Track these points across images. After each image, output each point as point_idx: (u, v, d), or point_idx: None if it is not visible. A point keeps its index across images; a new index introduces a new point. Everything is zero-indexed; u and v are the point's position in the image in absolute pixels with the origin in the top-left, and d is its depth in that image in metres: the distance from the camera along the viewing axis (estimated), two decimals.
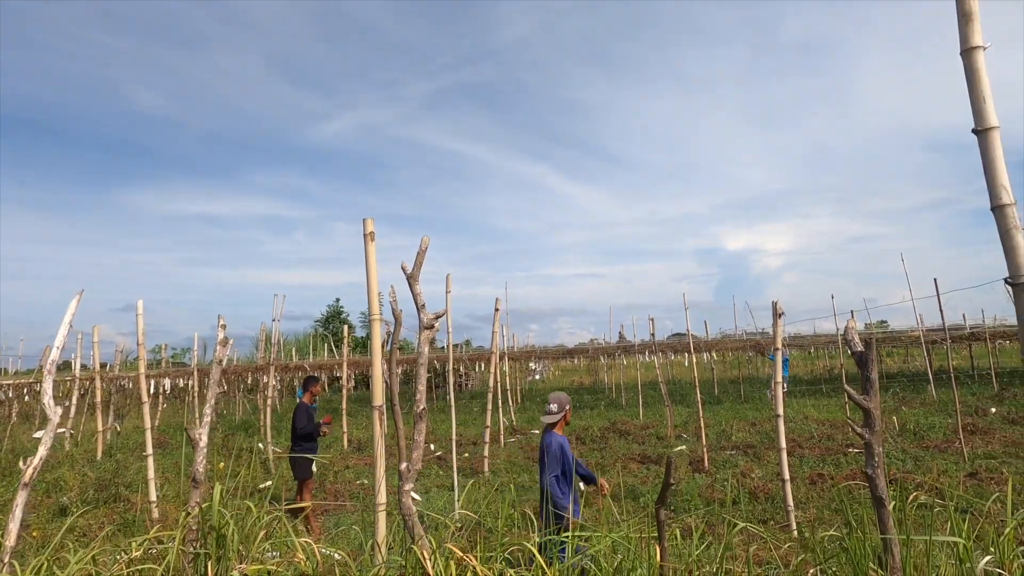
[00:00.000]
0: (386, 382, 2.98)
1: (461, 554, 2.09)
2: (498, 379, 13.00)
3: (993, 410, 13.05)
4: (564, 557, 2.50)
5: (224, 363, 3.95)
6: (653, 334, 12.95)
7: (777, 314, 5.91)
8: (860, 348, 2.05)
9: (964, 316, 21.09)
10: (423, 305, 2.89)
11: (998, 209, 2.80)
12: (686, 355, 33.56)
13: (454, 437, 7.14)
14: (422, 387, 2.72)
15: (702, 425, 9.12)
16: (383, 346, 3.51)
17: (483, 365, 24.76)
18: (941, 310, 10.73)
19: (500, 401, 16.14)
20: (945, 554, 1.94)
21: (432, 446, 12.07)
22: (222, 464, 5.66)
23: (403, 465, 2.63)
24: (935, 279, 10.74)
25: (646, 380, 19.84)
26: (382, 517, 3.23)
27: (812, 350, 26.54)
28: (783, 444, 5.82)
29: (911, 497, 3.17)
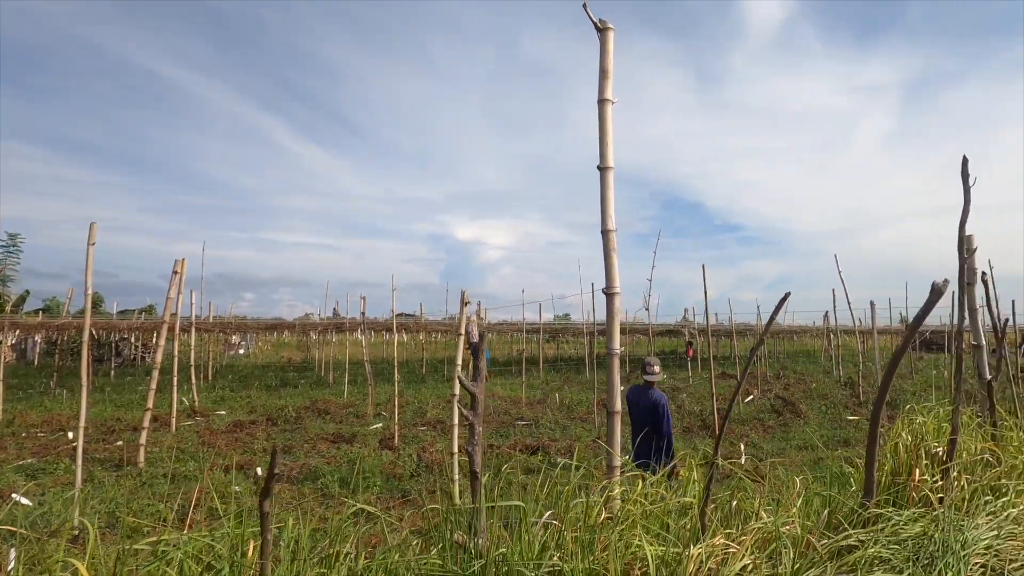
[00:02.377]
0: None
1: None
2: (177, 352, 11.15)
3: (621, 388, 16.93)
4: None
5: None
6: (364, 312, 12.88)
7: (463, 303, 6.43)
8: (476, 339, 2.30)
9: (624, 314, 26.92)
10: None
11: (605, 233, 3.51)
12: (405, 334, 34.59)
13: (82, 422, 5.78)
14: None
15: (396, 404, 9.44)
16: None
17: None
18: (595, 308, 13.32)
19: (188, 378, 13.93)
20: (519, 514, 2.32)
21: (71, 434, 9.65)
22: None
23: None
24: (592, 283, 13.37)
25: (360, 359, 19.74)
26: None
27: (510, 335, 30.21)
28: (456, 420, 6.40)
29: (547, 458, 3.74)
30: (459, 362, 6.66)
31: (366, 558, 2.34)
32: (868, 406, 13.41)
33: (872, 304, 16.50)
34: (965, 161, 3.09)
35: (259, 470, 7.31)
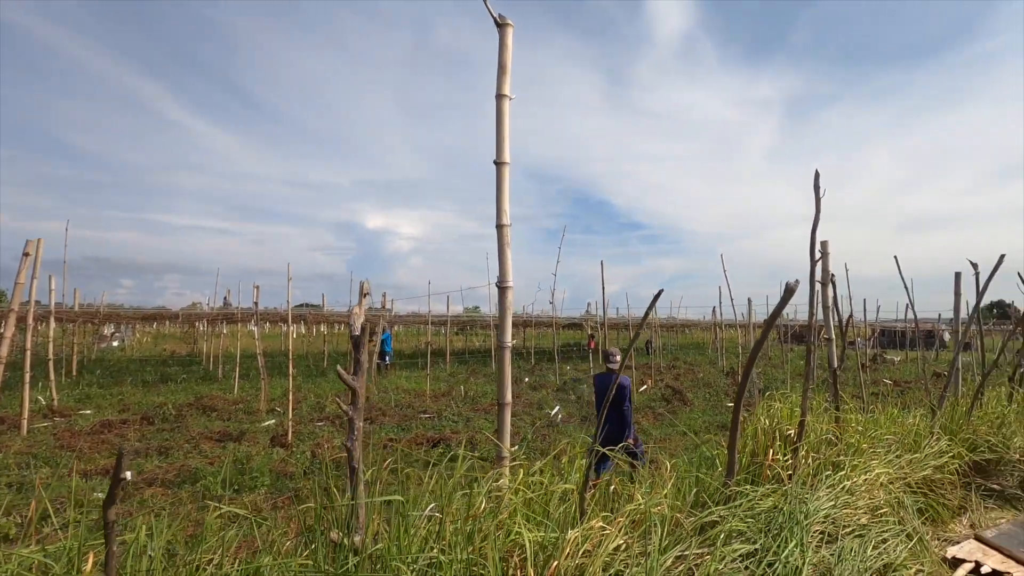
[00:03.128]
0: None
1: None
2: (30, 345, 9.85)
3: (527, 379, 17.29)
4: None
5: None
6: (256, 302, 12.10)
7: (363, 294, 6.23)
8: (357, 332, 2.23)
9: (522, 307, 27.38)
10: None
11: (500, 228, 3.55)
12: (304, 326, 32.93)
13: None
14: None
15: (291, 399, 8.99)
16: None
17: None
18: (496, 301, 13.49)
19: (46, 374, 12.36)
20: (401, 509, 2.30)
21: None
22: None
23: None
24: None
25: (253, 351, 18.53)
26: None
27: (417, 328, 29.81)
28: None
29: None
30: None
31: (237, 563, 2.21)
32: (777, 399, 14.79)
33: (750, 301, 18.11)
34: (816, 175, 3.48)
35: (128, 474, 6.65)
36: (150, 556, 2.08)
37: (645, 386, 15.50)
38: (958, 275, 7.30)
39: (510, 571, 2.22)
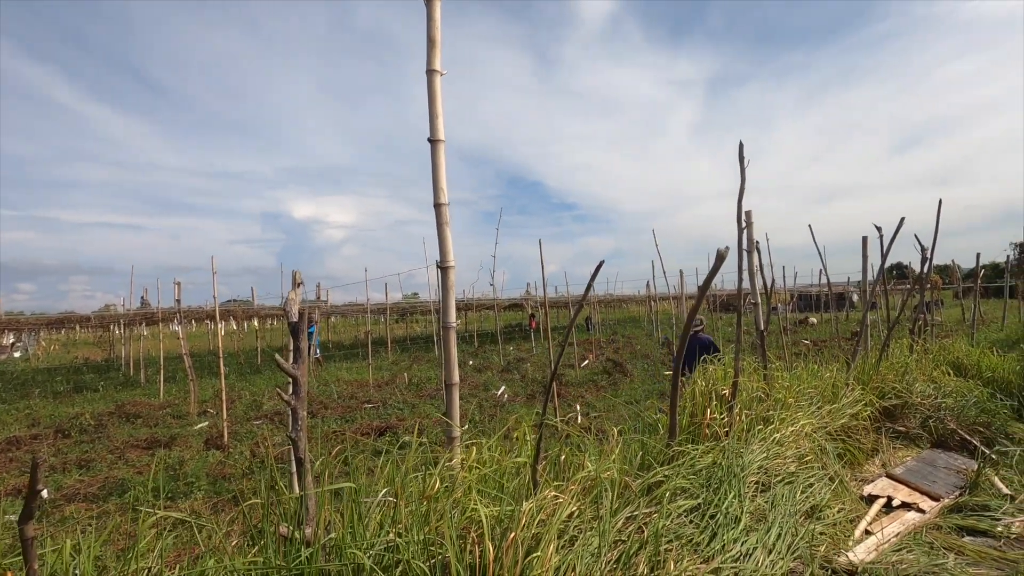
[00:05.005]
0: None
1: None
2: None
3: (471, 363, 17.31)
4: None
5: None
6: (179, 299, 11.36)
7: (296, 284, 5.98)
8: (295, 319, 2.14)
9: (464, 292, 27.27)
10: None
11: (437, 207, 3.49)
12: (235, 322, 31.37)
13: None
14: None
15: (224, 399, 8.56)
16: None
17: None
18: (440, 285, 13.36)
19: None
20: (352, 496, 2.25)
21: None
22: None
23: None
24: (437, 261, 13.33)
25: (178, 352, 17.45)
26: None
27: (356, 317, 29.09)
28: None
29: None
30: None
31: (178, 570, 2.09)
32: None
33: (681, 273, 18.89)
34: (741, 146, 3.64)
35: (44, 490, 6.13)
36: (76, 573, 1.93)
37: (587, 361, 15.91)
38: (864, 239, 7.91)
39: (468, 547, 2.23)
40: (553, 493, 2.71)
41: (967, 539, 4.11)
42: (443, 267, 3.33)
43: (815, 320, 28.24)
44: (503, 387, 11.97)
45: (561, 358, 2.96)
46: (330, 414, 10.33)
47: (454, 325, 3.32)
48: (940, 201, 7.37)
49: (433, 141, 3.41)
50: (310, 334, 18.67)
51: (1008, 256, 14.21)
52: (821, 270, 9.99)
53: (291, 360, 2.13)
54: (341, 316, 31.86)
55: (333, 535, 2.07)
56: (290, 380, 2.13)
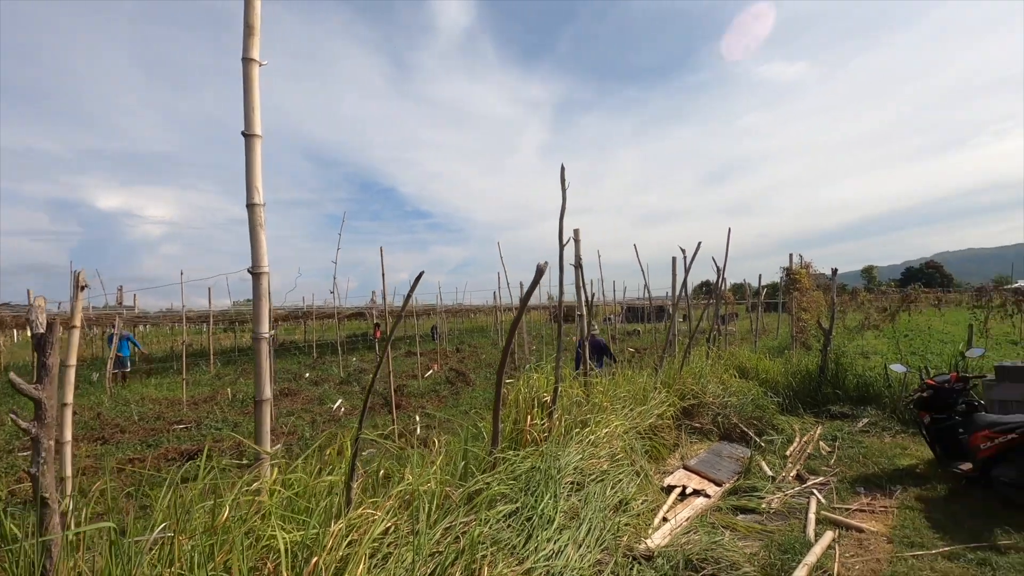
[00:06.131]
0: None
1: None
2: None
3: (307, 375, 16.20)
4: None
5: None
6: None
7: (79, 287, 5.06)
8: (41, 329, 1.78)
9: (303, 298, 25.51)
10: None
11: (250, 207, 3.19)
12: (4, 330, 25.77)
13: None
14: None
15: None
16: None
17: None
18: (286, 293, 12.30)
19: None
20: (112, 537, 1.92)
21: None
22: None
23: None
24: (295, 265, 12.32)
25: None
26: None
27: (171, 327, 25.67)
28: (68, 436, 5.03)
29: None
30: (72, 361, 5.26)
31: None
32: (522, 370, 16.18)
33: (521, 285, 19.74)
34: (563, 169, 3.92)
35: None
36: None
37: (431, 371, 15.83)
38: (674, 259, 9.03)
39: None
40: (368, 510, 2.61)
41: (740, 517, 4.84)
42: (255, 272, 3.06)
43: (640, 330, 31.45)
44: (340, 400, 11.40)
45: (379, 370, 2.87)
46: (128, 439, 8.89)
47: (267, 336, 3.06)
48: (729, 229, 8.71)
49: (248, 136, 3.13)
50: (125, 344, 15.95)
51: (780, 278, 17.41)
52: (644, 285, 11.23)
53: (36, 378, 1.76)
54: (153, 325, 27.89)
55: None
56: (33, 402, 1.76)
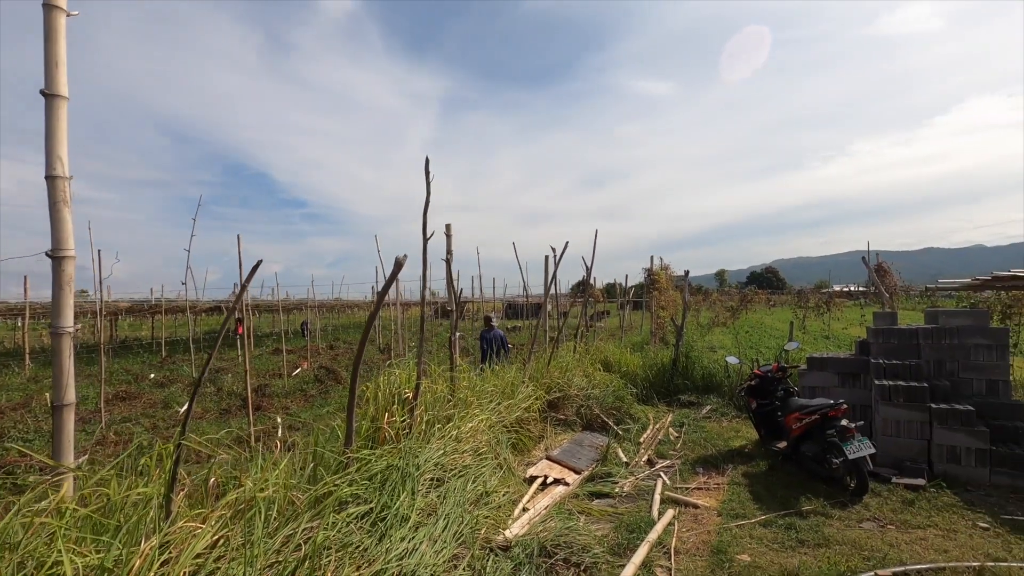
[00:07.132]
0: None
1: None
2: None
3: (152, 376, 14.44)
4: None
5: None
6: None
7: None
8: None
9: (151, 290, 22.71)
10: None
11: (51, 180, 2.72)
12: None
13: None
14: None
15: None
16: None
17: None
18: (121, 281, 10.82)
19: None
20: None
21: None
22: None
23: None
24: (117, 252, 10.77)
25: None
26: None
27: None
28: None
29: None
30: None
31: None
32: (399, 366, 15.81)
33: (398, 281, 19.33)
34: (427, 162, 3.85)
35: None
36: None
37: (299, 369, 14.91)
38: (547, 258, 9.35)
39: None
40: (192, 523, 2.35)
41: (595, 502, 5.12)
42: (56, 256, 2.61)
43: (521, 326, 32.29)
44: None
45: (208, 366, 2.60)
46: None
47: (70, 331, 2.63)
48: (596, 231, 9.20)
49: (50, 95, 2.66)
50: None
51: (644, 279, 18.92)
52: (522, 283, 11.55)
53: None
54: None
55: None
56: None
